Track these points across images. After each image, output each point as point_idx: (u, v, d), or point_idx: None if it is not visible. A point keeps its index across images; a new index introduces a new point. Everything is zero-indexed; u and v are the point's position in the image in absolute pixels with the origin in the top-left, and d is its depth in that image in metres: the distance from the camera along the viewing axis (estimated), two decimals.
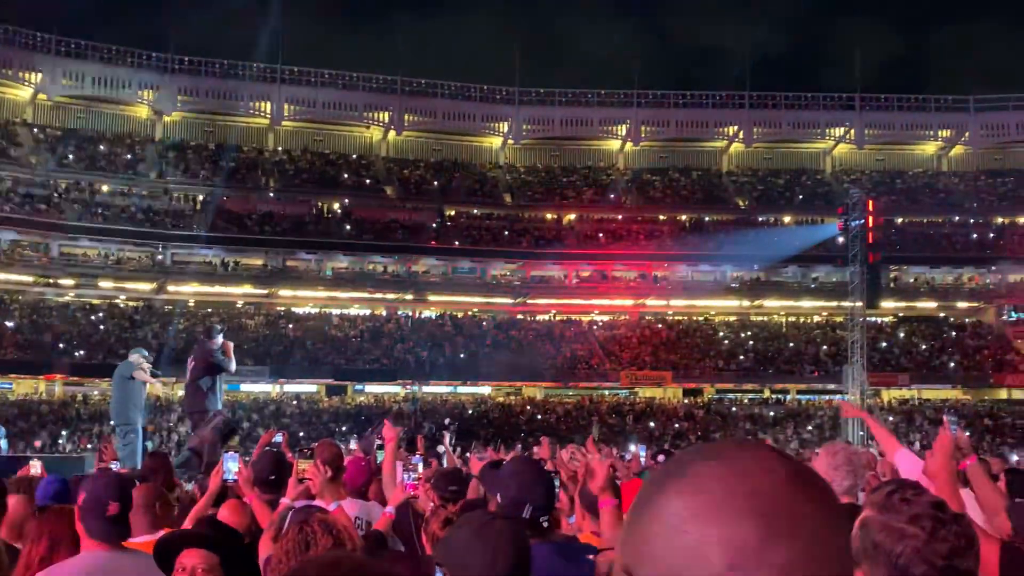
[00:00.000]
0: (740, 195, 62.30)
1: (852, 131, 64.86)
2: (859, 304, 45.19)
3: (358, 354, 50.67)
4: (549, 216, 59.83)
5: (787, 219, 60.33)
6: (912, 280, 58.58)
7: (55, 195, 51.44)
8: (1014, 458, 14.47)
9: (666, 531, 0.89)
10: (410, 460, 5.31)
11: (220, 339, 12.48)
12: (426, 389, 49.91)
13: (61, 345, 45.21)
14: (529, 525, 3.36)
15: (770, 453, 0.92)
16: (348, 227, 55.42)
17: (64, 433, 39.70)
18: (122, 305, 52.12)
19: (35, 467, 6.39)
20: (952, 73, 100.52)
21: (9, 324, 46.66)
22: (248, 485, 5.05)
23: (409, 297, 55.60)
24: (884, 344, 53.82)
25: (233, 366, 12.46)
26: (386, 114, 62.10)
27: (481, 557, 2.47)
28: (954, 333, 56.55)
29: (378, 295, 55.11)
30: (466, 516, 2.87)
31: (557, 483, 5.09)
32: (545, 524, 3.49)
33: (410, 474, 5.05)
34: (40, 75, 55.50)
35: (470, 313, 56.32)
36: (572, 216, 59.61)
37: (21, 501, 4.81)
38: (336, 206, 57.32)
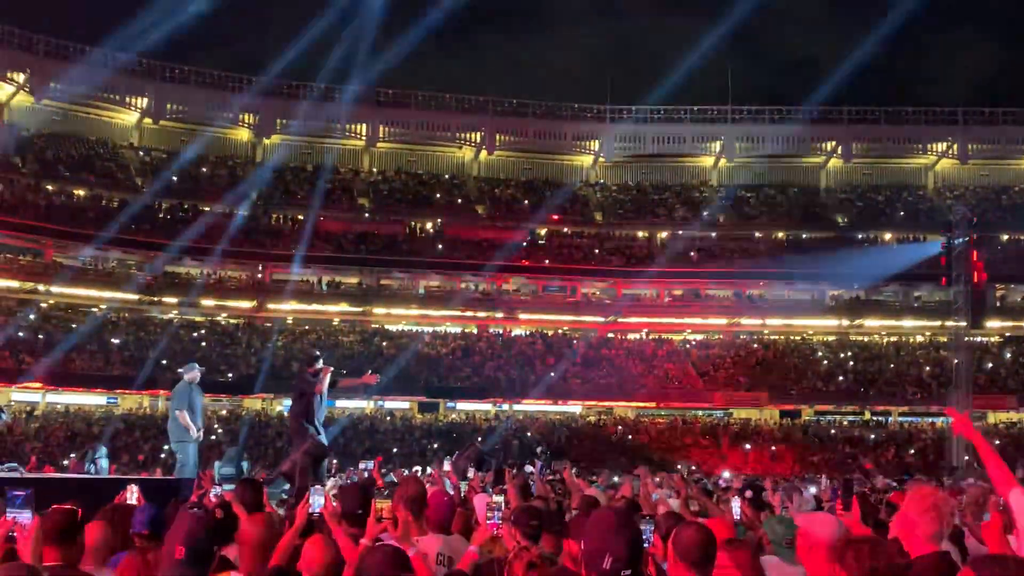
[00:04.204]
0: (839, 212, 60.86)
1: (955, 146, 62.86)
2: (963, 324, 43.69)
3: (450, 371, 51.05)
4: (641, 234, 59.39)
5: (888, 236, 58.75)
6: (1019, 299, 56.40)
7: (159, 216, 53.21)
8: None
9: None
10: (493, 498, 5.25)
11: (319, 364, 12.60)
12: (517, 407, 49.99)
13: (164, 361, 46.53)
14: None
15: None
16: (440, 246, 55.96)
17: (166, 447, 40.79)
18: (223, 322, 53.57)
19: (132, 494, 6.47)
20: None
21: (116, 341, 48.33)
22: (335, 519, 5.06)
23: (500, 315, 55.78)
24: (990, 365, 51.89)
25: (319, 387, 12.28)
26: (477, 134, 62.65)
27: None
28: None
29: (469, 313, 55.44)
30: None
31: (652, 527, 4.94)
32: None
33: (494, 513, 4.98)
34: (145, 100, 57.63)
35: (561, 331, 56.22)
36: (664, 234, 59.06)
37: (103, 529, 4.79)
38: (429, 225, 57.97)
